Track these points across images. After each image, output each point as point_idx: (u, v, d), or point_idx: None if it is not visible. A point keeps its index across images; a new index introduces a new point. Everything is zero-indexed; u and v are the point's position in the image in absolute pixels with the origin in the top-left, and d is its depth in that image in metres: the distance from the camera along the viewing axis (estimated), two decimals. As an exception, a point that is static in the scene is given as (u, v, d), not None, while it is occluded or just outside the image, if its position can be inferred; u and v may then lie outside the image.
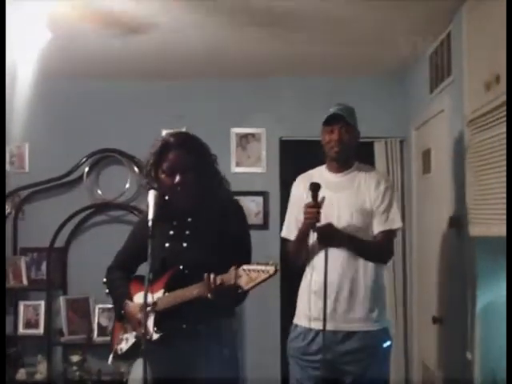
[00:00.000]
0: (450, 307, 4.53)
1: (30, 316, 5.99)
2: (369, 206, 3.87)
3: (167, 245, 3.45)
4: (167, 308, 3.30)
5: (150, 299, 3.31)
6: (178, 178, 3.38)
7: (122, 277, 3.64)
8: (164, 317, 3.31)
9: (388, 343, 3.89)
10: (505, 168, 3.37)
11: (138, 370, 3.45)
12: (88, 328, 5.93)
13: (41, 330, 5.98)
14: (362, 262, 3.80)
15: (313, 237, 3.79)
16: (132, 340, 3.49)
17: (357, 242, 3.79)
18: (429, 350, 5.24)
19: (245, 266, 3.14)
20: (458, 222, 4.32)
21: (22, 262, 6.03)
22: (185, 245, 3.44)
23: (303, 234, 3.80)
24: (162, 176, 3.42)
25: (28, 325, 5.97)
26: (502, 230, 3.39)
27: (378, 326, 3.84)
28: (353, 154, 4.00)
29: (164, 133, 5.81)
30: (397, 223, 3.94)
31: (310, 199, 3.71)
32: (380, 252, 3.90)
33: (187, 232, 3.46)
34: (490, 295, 3.84)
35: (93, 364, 5.86)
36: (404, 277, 5.99)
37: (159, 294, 3.35)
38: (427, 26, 4.59)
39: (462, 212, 4.23)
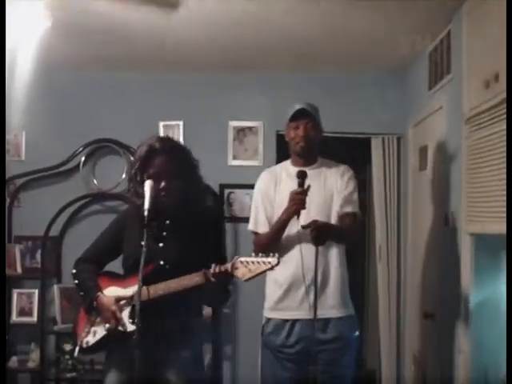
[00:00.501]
0: (442, 303, 4.56)
1: (23, 304, 5.99)
2: (336, 195, 3.97)
3: (143, 243, 3.46)
4: (158, 297, 3.32)
5: (126, 293, 3.43)
6: (163, 184, 3.44)
7: (91, 270, 3.67)
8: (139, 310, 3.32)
9: (357, 333, 4.03)
10: (501, 166, 3.39)
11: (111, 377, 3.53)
12: (81, 317, 5.94)
13: (34, 318, 5.97)
14: (332, 252, 3.89)
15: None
16: (101, 333, 3.51)
17: (339, 232, 3.88)
18: (421, 345, 5.26)
19: (242, 258, 3.23)
20: (453, 219, 4.34)
21: (17, 250, 6.03)
22: (161, 245, 3.49)
23: (284, 222, 3.84)
24: (148, 181, 3.45)
25: (21, 313, 5.97)
26: (497, 228, 3.42)
27: (347, 312, 3.98)
28: (317, 149, 4.09)
29: (160, 125, 5.91)
30: (358, 209, 4.05)
31: (277, 193, 3.96)
32: (350, 235, 3.98)
33: (164, 233, 3.52)
34: (484, 292, 3.86)
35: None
36: (398, 272, 6.01)
37: (135, 288, 3.34)
38: (427, 24, 4.61)
39: (457, 209, 4.25)
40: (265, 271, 3.22)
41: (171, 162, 3.47)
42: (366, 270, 8.10)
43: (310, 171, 3.91)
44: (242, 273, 3.21)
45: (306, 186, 3.73)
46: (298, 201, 3.71)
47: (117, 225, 3.76)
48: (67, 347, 5.85)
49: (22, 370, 6.03)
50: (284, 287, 3.93)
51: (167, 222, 3.52)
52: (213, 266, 3.26)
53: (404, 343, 5.83)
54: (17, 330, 6.05)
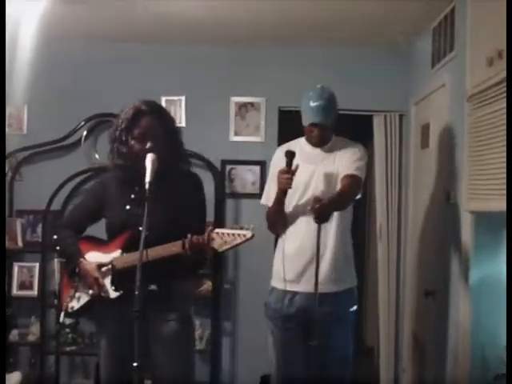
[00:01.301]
0: (443, 281, 4.56)
1: (24, 278, 6.00)
2: (341, 169, 4.00)
3: (128, 207, 3.52)
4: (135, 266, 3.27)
5: (107, 259, 3.47)
6: (149, 145, 3.44)
7: (72, 235, 3.68)
8: (121, 276, 3.39)
9: (355, 307, 4.10)
10: (503, 143, 3.38)
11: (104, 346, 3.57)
12: (82, 291, 5.94)
13: (35, 292, 5.99)
14: (333, 227, 3.93)
15: (288, 204, 3.98)
16: (85, 298, 3.55)
17: (336, 200, 3.83)
18: (420, 322, 5.27)
19: (218, 230, 3.27)
20: (454, 196, 4.34)
21: (18, 224, 6.03)
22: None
23: (278, 201, 3.93)
24: (132, 142, 3.49)
25: (22, 286, 5.99)
26: (498, 205, 3.42)
27: (345, 287, 4.05)
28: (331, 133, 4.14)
29: (162, 100, 5.91)
30: (363, 175, 4.04)
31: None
32: (347, 196, 3.94)
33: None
34: (483, 270, 3.87)
35: (85, 327, 5.87)
36: (398, 250, 6.02)
37: (116, 253, 3.46)
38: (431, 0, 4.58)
39: (458, 187, 4.25)
40: (240, 244, 3.24)
41: (156, 123, 3.49)
42: (367, 248, 8.13)
43: (322, 150, 4.08)
44: (218, 244, 3.24)
45: (294, 166, 3.77)
46: (283, 180, 3.77)
47: (98, 190, 3.77)
48: (67, 321, 5.87)
49: (23, 343, 6.06)
50: (287, 260, 3.99)
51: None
52: (189, 236, 3.27)
53: (403, 321, 5.85)
54: (17, 303, 6.07)
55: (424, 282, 5.09)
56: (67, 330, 5.88)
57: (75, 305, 3.59)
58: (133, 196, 3.51)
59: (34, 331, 5.99)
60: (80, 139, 6.12)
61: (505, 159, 3.34)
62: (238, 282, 6.15)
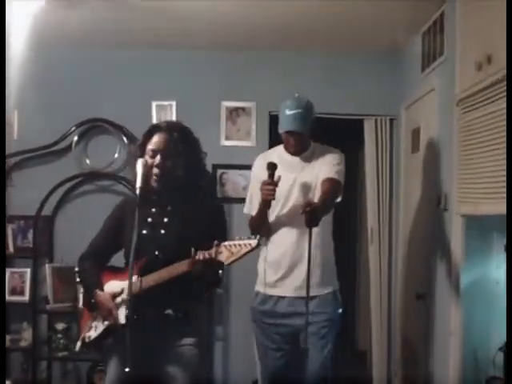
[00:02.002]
0: (434, 284, 4.57)
1: (15, 283, 5.99)
2: (321, 175, 4.02)
3: (144, 232, 3.49)
4: (150, 287, 3.35)
5: (124, 286, 3.42)
6: (157, 160, 3.46)
7: (94, 266, 3.66)
8: (136, 301, 3.32)
9: (340, 310, 4.12)
10: (493, 147, 3.41)
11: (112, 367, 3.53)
12: (73, 296, 5.92)
13: (26, 298, 5.97)
14: (314, 232, 3.86)
15: (271, 213, 4.01)
16: (101, 328, 3.54)
17: (322, 204, 3.82)
18: (411, 326, 5.28)
19: (226, 243, 3.28)
20: (445, 200, 4.35)
21: (9, 230, 6.02)
22: (162, 232, 3.48)
23: (261, 211, 3.96)
24: (146, 157, 3.50)
25: (13, 292, 5.96)
26: (489, 209, 3.43)
27: (330, 289, 4.09)
28: (308, 140, 4.15)
29: (153, 105, 5.95)
30: (342, 178, 4.07)
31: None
32: (330, 198, 3.93)
33: (165, 220, 3.51)
34: (474, 273, 3.88)
35: (77, 332, 5.84)
36: (389, 253, 6.02)
37: (133, 279, 3.35)
38: (421, 4, 4.59)
39: (449, 190, 4.26)
40: (246, 253, 3.28)
41: (171, 141, 3.49)
42: (358, 253, 8.13)
43: (301, 158, 4.10)
44: (225, 256, 3.26)
45: (276, 178, 3.79)
46: (266, 191, 3.79)
47: (117, 215, 3.73)
48: (59, 326, 5.87)
49: (14, 348, 6.02)
50: (270, 266, 4.07)
51: (168, 208, 3.52)
52: (198, 252, 3.28)
53: (395, 325, 5.85)
54: (9, 309, 6.04)
55: (415, 285, 5.09)
56: (59, 335, 5.87)
57: (92, 334, 3.57)
58: (150, 220, 3.49)
59: (26, 337, 5.97)
60: (71, 144, 6.11)
61: (495, 162, 3.36)
62: (230, 286, 6.15)
